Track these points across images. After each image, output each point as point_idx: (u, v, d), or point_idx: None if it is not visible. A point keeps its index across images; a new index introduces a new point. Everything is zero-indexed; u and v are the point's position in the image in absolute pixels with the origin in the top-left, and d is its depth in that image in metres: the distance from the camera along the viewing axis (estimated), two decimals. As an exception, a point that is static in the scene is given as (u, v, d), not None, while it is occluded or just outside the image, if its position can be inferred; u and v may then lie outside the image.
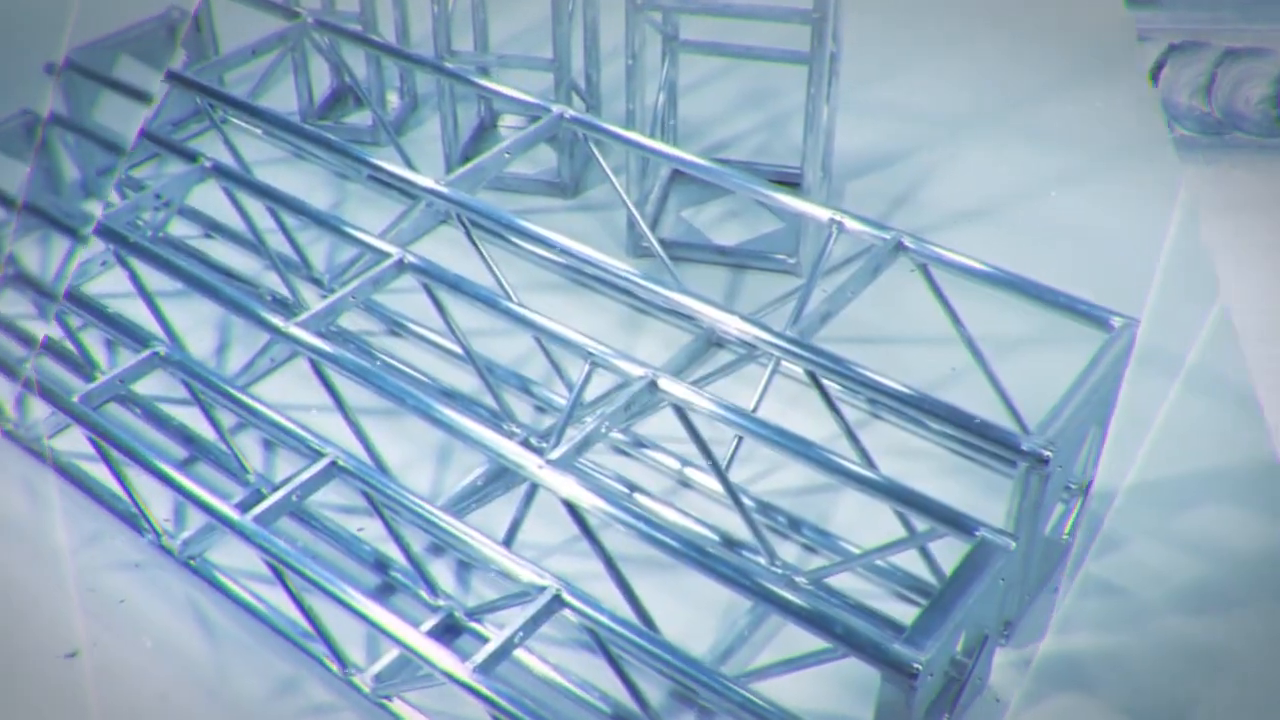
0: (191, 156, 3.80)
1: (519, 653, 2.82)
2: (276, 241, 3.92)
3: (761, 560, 3.11)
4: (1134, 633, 3.06)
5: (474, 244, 3.52)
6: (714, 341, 3.71)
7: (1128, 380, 3.20)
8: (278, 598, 3.01)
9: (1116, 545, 3.25)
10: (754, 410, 3.28)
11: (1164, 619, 3.09)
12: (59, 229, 3.74)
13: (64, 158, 4.44)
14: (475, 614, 3.03)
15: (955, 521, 2.63)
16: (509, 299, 3.28)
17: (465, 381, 3.72)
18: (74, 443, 3.47)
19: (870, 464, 2.97)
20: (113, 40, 4.56)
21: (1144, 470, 3.41)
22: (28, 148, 4.28)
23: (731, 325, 3.11)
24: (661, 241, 4.02)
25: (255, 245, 3.92)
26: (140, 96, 4.21)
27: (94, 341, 3.80)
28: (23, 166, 4.26)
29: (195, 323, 3.91)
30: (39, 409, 3.54)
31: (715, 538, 3.26)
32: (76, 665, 3.01)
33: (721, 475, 2.99)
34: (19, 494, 3.43)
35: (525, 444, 3.29)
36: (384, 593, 3.17)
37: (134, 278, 3.56)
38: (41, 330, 3.78)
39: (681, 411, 2.95)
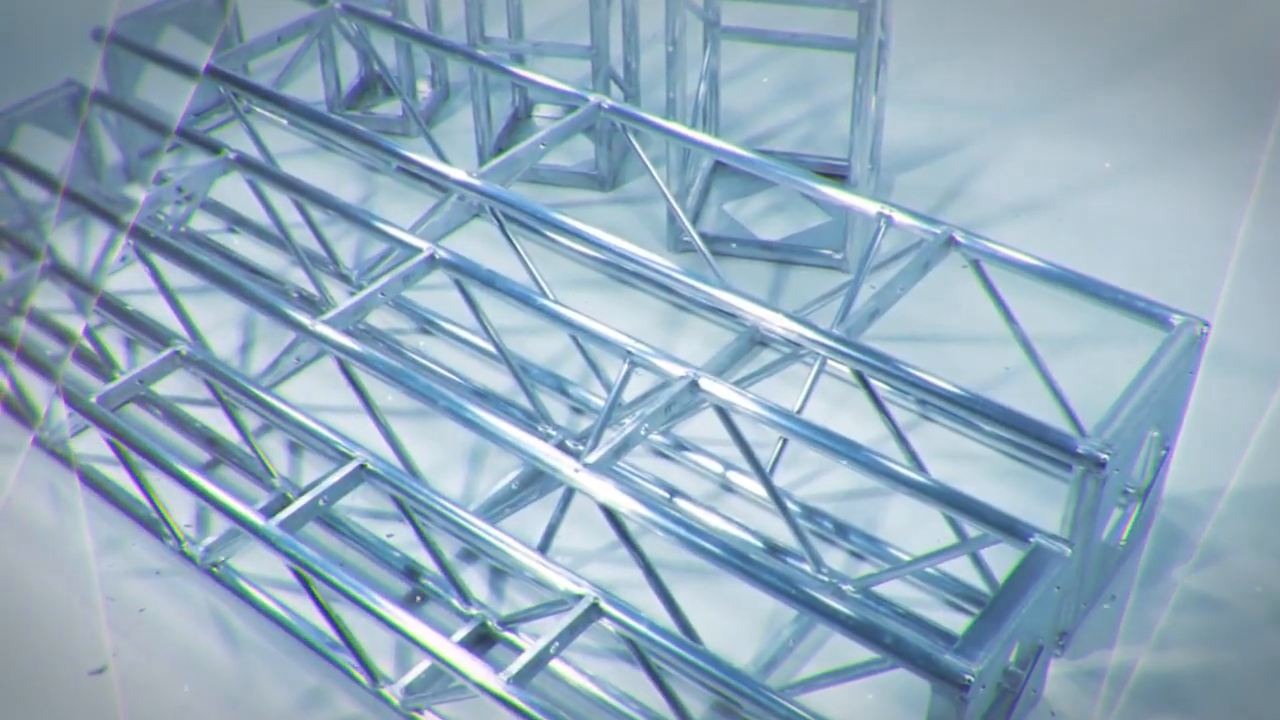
0: (214, 148, 3.83)
1: (555, 664, 2.83)
2: (303, 236, 3.95)
3: (807, 567, 3.11)
4: (1235, 650, 3.02)
5: (508, 238, 3.53)
6: (757, 340, 3.73)
7: (1223, 385, 3.17)
8: (304, 606, 3.03)
9: (1217, 557, 3.22)
10: (799, 411, 3.28)
11: (1267, 635, 3.05)
12: (99, 216, 3.71)
13: (105, 139, 4.40)
14: (509, 623, 3.04)
15: (1008, 527, 2.64)
16: (544, 296, 3.29)
17: (499, 381, 3.74)
18: (93, 445, 3.49)
19: (920, 467, 2.98)
20: (159, 10, 4.55)
21: (1245, 479, 3.39)
22: (73, 122, 4.22)
23: (776, 323, 3.11)
24: (703, 236, 4.02)
25: (280, 240, 3.94)
26: (187, 71, 4.17)
27: (113, 340, 3.83)
28: (66, 144, 4.22)
29: (218, 321, 3.94)
30: (59, 411, 3.57)
31: (759, 544, 3.27)
32: (100, 678, 3.03)
33: (765, 479, 2.99)
34: (46, 502, 3.46)
35: (561, 447, 3.31)
36: (414, 601, 3.18)
37: (155, 274, 3.58)
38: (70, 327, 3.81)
39: (724, 413, 2.95)
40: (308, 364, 3.81)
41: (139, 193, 4.33)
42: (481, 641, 3.03)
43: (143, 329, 3.38)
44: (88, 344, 3.68)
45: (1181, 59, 5.14)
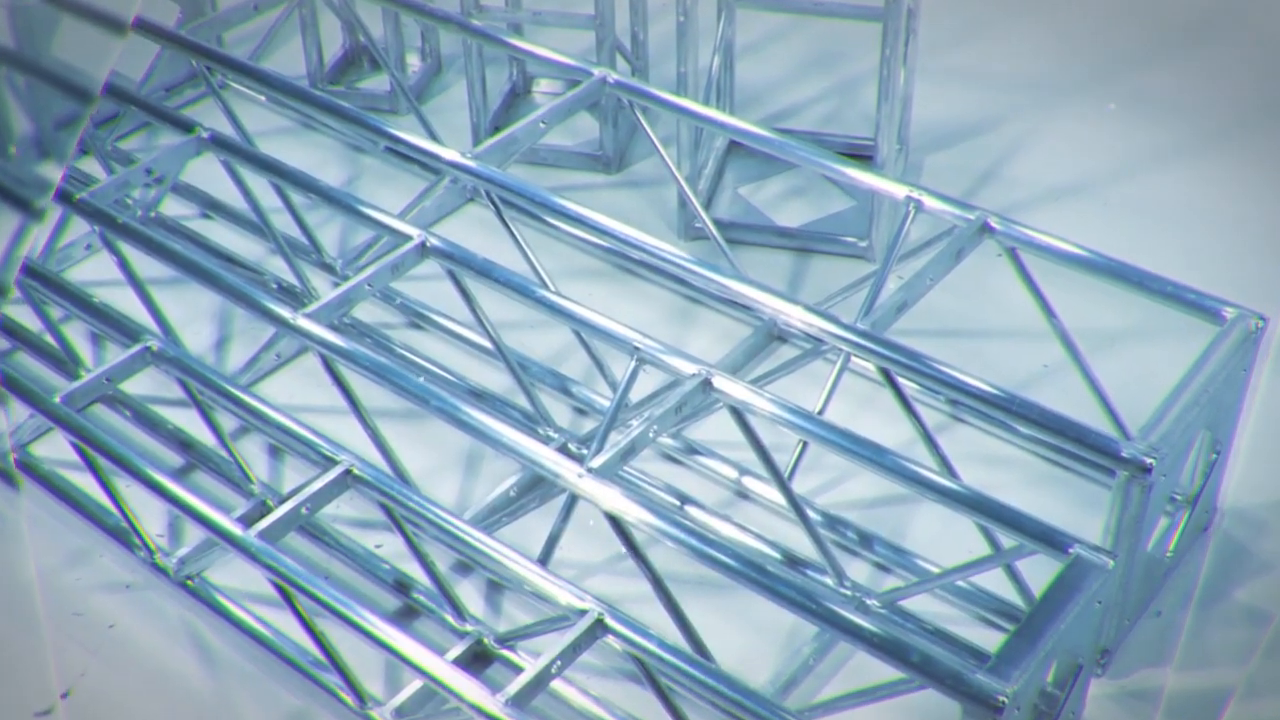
0: (187, 126, 3.84)
1: (556, 684, 2.84)
2: (283, 222, 3.96)
3: (828, 580, 3.13)
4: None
5: (505, 225, 3.55)
6: (775, 335, 3.74)
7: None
8: (285, 622, 3.04)
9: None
10: (820, 412, 3.29)
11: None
12: (3, 198, 3.66)
13: (11, 104, 4.32)
14: (507, 641, 3.06)
15: (1046, 537, 2.65)
16: (544, 287, 3.30)
17: (495, 380, 3.76)
18: (56, 449, 3.51)
19: (951, 473, 2.99)
20: None
21: None
22: None
23: (795, 316, 3.13)
24: (717, 222, 4.03)
25: (259, 226, 3.95)
26: (113, 23, 4.09)
27: (78, 335, 3.85)
28: None
29: (192, 314, 3.96)
30: (14, 412, 3.57)
31: (777, 555, 3.29)
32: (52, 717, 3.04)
33: (784, 485, 3.01)
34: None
35: (563, 450, 3.33)
36: (405, 617, 3.20)
37: (123, 263, 3.60)
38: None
39: (739, 414, 2.97)
40: (288, 361, 3.83)
41: (53, 171, 4.23)
42: (477, 660, 3.05)
43: (110, 323, 3.40)
44: (50, 339, 3.69)
45: (1237, 34, 5.14)
